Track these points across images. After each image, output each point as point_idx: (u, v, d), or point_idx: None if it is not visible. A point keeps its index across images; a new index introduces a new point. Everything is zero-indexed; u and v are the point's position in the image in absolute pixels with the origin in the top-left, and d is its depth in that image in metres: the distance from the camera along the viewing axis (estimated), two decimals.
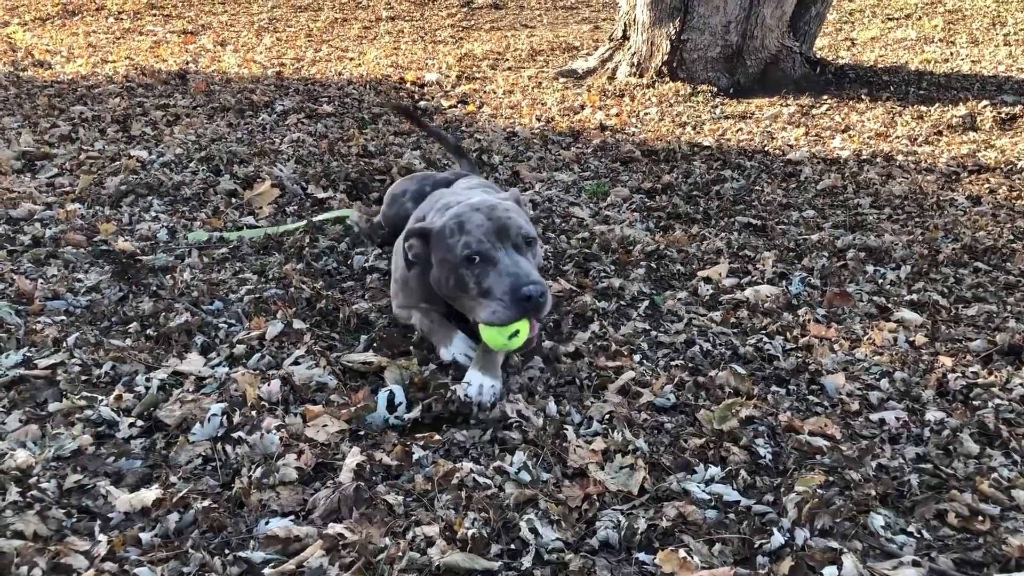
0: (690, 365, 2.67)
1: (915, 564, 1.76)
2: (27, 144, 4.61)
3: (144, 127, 5.22)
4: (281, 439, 2.11)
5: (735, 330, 2.94)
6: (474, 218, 2.46)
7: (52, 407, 2.23)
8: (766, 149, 5.66)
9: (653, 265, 3.52)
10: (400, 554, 1.71)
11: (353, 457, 2.03)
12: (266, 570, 1.68)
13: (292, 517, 1.87)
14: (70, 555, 1.70)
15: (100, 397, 2.28)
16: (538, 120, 6.30)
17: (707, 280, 3.36)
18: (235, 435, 2.12)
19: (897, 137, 5.99)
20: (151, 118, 5.49)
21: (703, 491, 2.00)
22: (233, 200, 4.03)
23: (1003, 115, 6.29)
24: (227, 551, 1.75)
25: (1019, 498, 2.01)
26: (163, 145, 4.80)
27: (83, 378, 2.40)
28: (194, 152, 4.66)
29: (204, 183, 4.20)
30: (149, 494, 1.89)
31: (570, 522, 1.86)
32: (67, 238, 3.35)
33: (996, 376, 2.63)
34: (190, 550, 1.73)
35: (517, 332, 2.30)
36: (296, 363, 2.51)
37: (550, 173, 4.89)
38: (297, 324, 2.73)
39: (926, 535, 1.89)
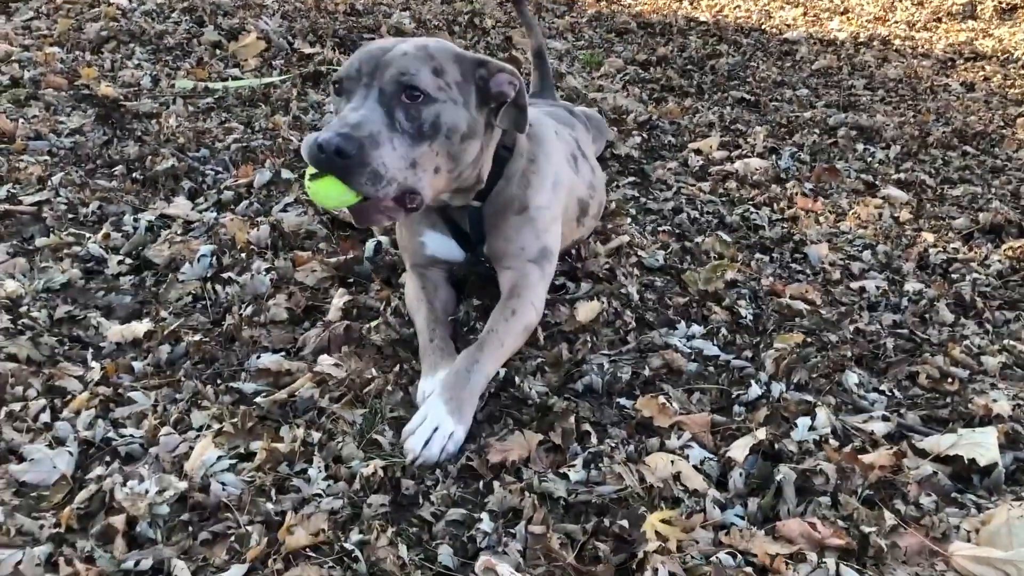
0: (677, 231, 2.68)
1: (884, 419, 1.82)
2: None
3: None
4: (271, 280, 2.12)
5: (723, 200, 2.94)
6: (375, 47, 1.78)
7: (39, 242, 2.22)
8: (763, 27, 5.54)
9: (645, 135, 3.50)
10: (388, 388, 1.75)
11: (340, 298, 2.05)
12: (258, 399, 1.72)
13: (283, 353, 1.90)
14: (64, 378, 1.73)
15: (88, 235, 2.27)
16: None
17: (698, 152, 3.35)
18: (225, 275, 2.13)
19: (896, 22, 5.88)
20: None
21: (685, 346, 2.04)
22: (218, 51, 3.92)
23: (1004, 4, 6.17)
24: (219, 381, 1.79)
25: (987, 364, 2.07)
26: None
27: (69, 216, 2.38)
28: (176, 2, 4.50)
29: (188, 33, 4.07)
30: (140, 326, 1.91)
31: (557, 371, 1.90)
32: (48, 80, 3.26)
33: (976, 252, 2.67)
34: (182, 379, 1.77)
35: (315, 175, 1.62)
36: (284, 211, 2.50)
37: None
38: (285, 174, 2.71)
39: (897, 394, 1.95)
